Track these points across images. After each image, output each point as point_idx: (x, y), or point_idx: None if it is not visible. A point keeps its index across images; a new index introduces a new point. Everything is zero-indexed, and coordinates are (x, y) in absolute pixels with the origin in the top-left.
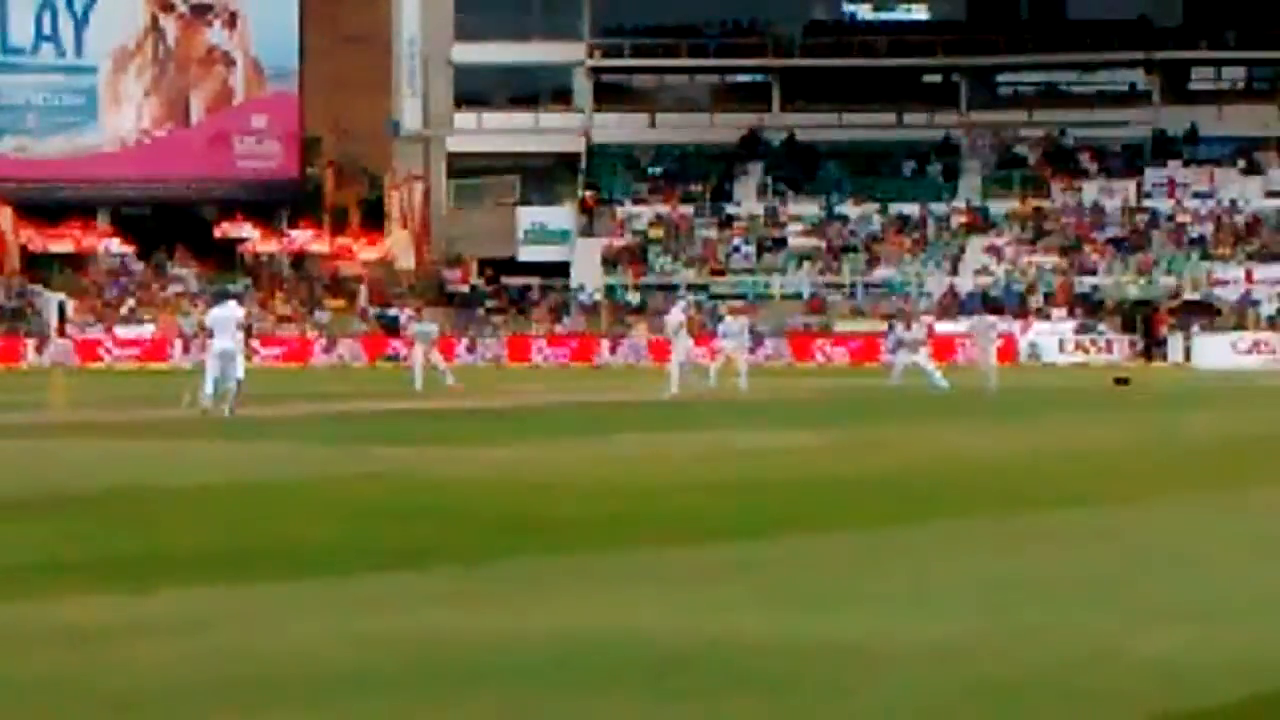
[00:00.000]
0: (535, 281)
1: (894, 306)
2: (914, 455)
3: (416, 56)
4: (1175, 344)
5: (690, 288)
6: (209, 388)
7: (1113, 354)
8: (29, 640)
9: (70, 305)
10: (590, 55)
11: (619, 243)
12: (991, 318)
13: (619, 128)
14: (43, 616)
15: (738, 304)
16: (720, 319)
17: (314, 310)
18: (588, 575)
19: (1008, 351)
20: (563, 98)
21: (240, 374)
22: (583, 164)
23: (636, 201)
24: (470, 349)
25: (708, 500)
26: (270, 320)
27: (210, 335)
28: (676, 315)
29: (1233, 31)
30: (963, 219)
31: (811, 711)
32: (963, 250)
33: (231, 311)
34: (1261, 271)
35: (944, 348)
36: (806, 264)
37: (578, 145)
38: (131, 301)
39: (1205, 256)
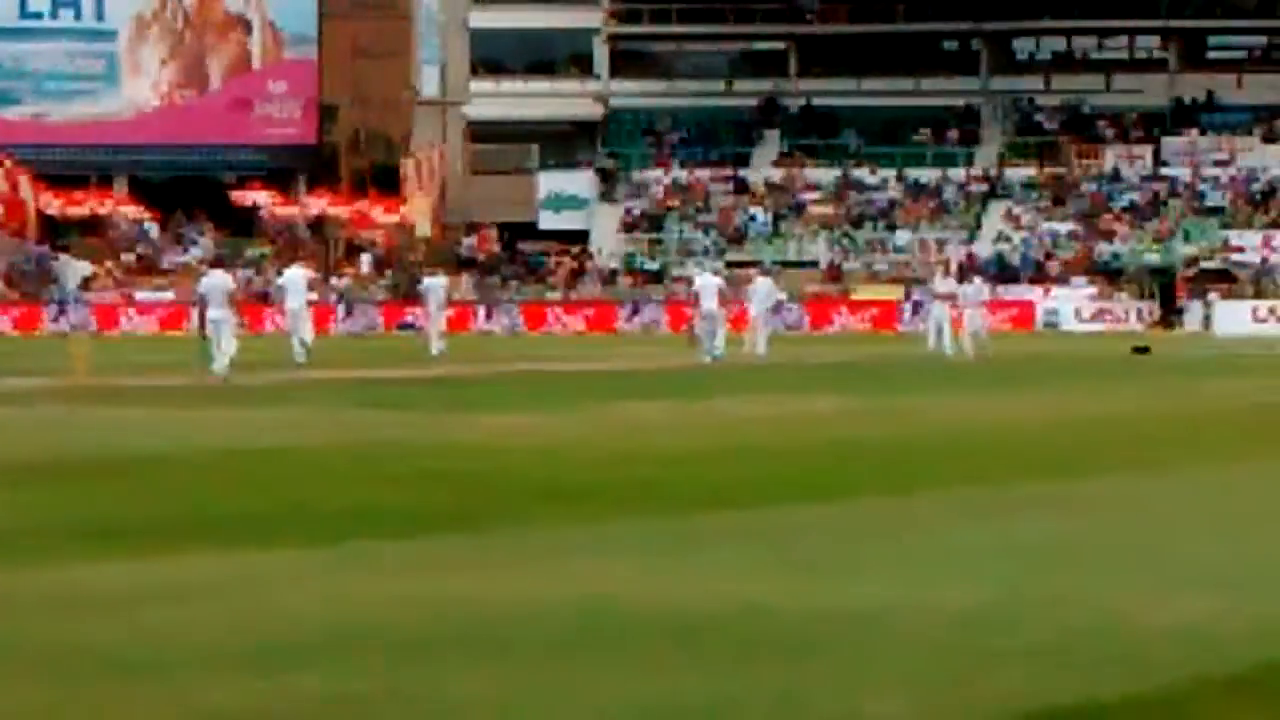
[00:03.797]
0: (551, 247)
1: (913, 273)
2: (935, 422)
3: (435, 22)
4: (1194, 311)
5: (707, 254)
6: (217, 358)
7: (1131, 322)
8: (53, 606)
9: (90, 271)
10: (608, 22)
11: (637, 209)
12: (980, 279)
13: (637, 94)
14: (66, 582)
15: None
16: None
17: (331, 277)
18: (609, 542)
19: (1025, 319)
20: (581, 64)
21: (305, 337)
22: (601, 131)
23: (654, 168)
24: (488, 315)
25: (729, 467)
26: None
27: (204, 305)
28: (710, 280)
29: None
30: (981, 186)
31: (832, 677)
32: (981, 218)
33: (222, 280)
34: None
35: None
36: (824, 231)
37: (596, 112)
38: (151, 267)
39: (1223, 224)
